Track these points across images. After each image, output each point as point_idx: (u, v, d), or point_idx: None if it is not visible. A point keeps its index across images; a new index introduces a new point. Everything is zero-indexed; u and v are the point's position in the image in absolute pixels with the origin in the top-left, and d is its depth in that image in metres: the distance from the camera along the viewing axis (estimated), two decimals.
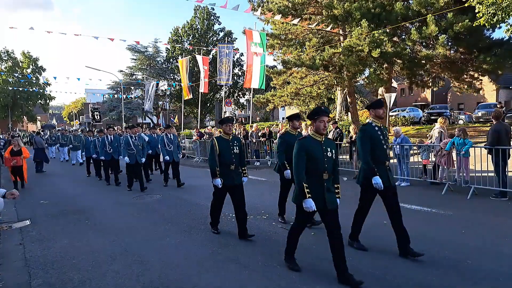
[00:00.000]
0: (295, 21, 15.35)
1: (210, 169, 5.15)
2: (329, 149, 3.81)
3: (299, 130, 5.90)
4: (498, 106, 16.82)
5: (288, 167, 5.45)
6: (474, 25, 11.01)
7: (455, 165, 7.98)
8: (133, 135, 9.30)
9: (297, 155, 3.76)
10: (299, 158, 3.73)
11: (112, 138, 10.67)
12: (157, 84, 27.60)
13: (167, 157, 9.74)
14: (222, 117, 35.21)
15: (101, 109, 45.48)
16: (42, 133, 26.46)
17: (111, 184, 10.53)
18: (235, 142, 5.30)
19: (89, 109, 38.92)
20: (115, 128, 12.45)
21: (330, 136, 11.28)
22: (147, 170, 11.09)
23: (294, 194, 3.86)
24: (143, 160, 9.49)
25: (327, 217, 3.76)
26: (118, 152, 10.26)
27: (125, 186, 9.59)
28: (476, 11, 10.09)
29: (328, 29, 16.11)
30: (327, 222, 3.77)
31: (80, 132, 20.26)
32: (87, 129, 19.12)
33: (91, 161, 12.54)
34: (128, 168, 9.34)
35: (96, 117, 37.87)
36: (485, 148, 7.37)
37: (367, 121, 4.65)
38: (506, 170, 6.93)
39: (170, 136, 9.96)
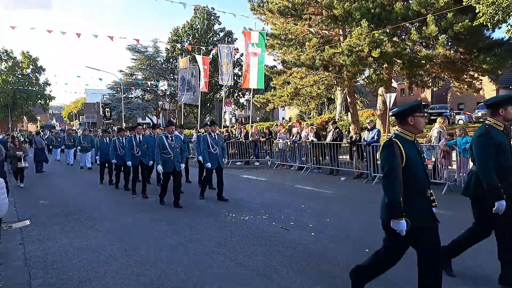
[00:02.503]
0: (293, 23, 15.37)
1: (389, 202, 2.76)
2: None
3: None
4: None
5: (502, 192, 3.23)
6: (474, 24, 11.01)
7: (454, 164, 8.00)
8: (169, 135, 7.36)
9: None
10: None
11: (141, 138, 8.82)
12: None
13: (209, 164, 7.61)
14: (222, 117, 35.16)
15: (101, 109, 45.55)
16: (42, 133, 26.38)
17: (120, 188, 9.57)
18: (418, 146, 3.02)
19: (100, 105, 35.97)
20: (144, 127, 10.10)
21: (329, 136, 11.30)
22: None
23: None
24: (183, 166, 7.64)
25: None
26: (148, 155, 8.62)
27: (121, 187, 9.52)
28: (477, 11, 10.10)
29: (327, 32, 16.11)
30: None
31: (89, 132, 17.67)
32: (103, 129, 16.49)
33: (108, 167, 10.80)
34: (164, 178, 7.50)
35: (107, 114, 34.30)
36: None
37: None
38: None
39: (215, 135, 7.84)
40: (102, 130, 13.86)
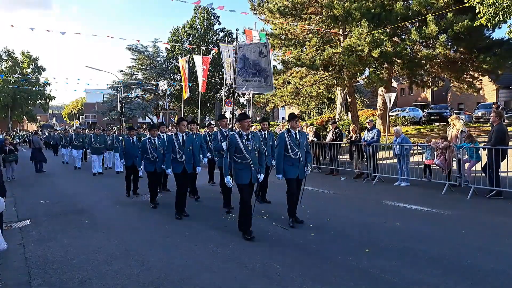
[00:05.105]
0: (293, 23, 15.31)
1: None
2: None
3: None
4: (494, 106, 16.85)
5: None
6: (474, 25, 11.01)
7: (454, 165, 8.00)
8: (244, 133, 5.18)
9: None
10: None
11: (184, 138, 6.56)
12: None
13: (280, 175, 5.67)
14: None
15: (101, 109, 45.54)
16: (40, 133, 26.25)
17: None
18: None
19: (118, 100, 32.63)
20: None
21: (329, 136, 11.29)
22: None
23: None
24: (261, 177, 5.39)
25: None
26: (194, 160, 6.70)
27: (123, 187, 9.31)
28: (477, 11, 10.10)
29: (327, 29, 16.11)
30: None
31: (101, 131, 15.17)
32: (128, 126, 13.23)
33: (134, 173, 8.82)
34: (242, 194, 5.12)
35: (124, 110, 29.86)
36: (483, 149, 7.38)
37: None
38: (500, 170, 6.97)
39: (295, 134, 5.68)
40: (127, 127, 11.50)
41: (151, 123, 36.98)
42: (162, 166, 6.99)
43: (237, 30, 9.79)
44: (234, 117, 9.22)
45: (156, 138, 7.69)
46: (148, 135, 8.11)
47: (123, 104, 29.00)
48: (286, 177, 5.64)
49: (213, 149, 7.18)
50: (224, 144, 6.52)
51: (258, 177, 5.26)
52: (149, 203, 7.56)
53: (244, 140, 5.11)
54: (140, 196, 8.46)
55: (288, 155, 5.60)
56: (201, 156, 7.69)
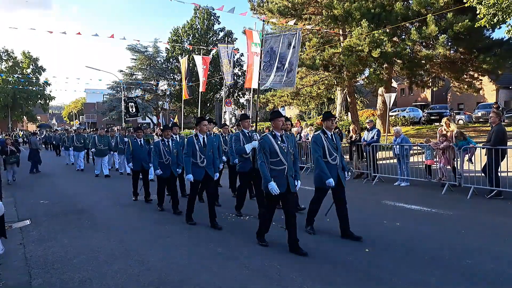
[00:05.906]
0: (292, 22, 15.28)
1: None
2: None
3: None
4: (494, 106, 16.86)
5: None
6: (475, 26, 11.02)
7: (454, 164, 8.01)
8: (278, 133, 4.56)
9: None
10: None
11: (205, 140, 5.87)
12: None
13: (330, 180, 4.80)
14: (222, 117, 35.24)
15: (101, 109, 45.55)
16: (38, 132, 26.07)
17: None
18: None
19: (122, 99, 29.96)
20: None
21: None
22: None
23: None
24: (299, 185, 4.75)
25: None
26: (214, 165, 5.99)
27: (127, 188, 9.40)
28: (477, 12, 10.11)
29: (327, 29, 16.11)
30: None
31: (106, 132, 14.43)
32: (135, 126, 12.58)
33: (143, 177, 8.22)
34: (272, 202, 4.62)
35: (131, 110, 27.99)
36: (483, 148, 7.40)
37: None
38: (500, 170, 6.99)
39: (332, 135, 5.00)
40: (134, 128, 10.77)
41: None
42: (178, 169, 6.59)
43: (263, 21, 9.40)
44: (234, 117, 8.94)
45: (169, 139, 7.13)
46: (157, 137, 7.67)
47: (134, 103, 27.15)
48: (320, 185, 4.91)
49: (235, 152, 6.51)
50: (247, 146, 6.11)
51: (296, 184, 4.59)
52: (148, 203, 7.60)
53: (279, 142, 4.43)
54: (139, 197, 8.43)
55: (326, 161, 4.78)
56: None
